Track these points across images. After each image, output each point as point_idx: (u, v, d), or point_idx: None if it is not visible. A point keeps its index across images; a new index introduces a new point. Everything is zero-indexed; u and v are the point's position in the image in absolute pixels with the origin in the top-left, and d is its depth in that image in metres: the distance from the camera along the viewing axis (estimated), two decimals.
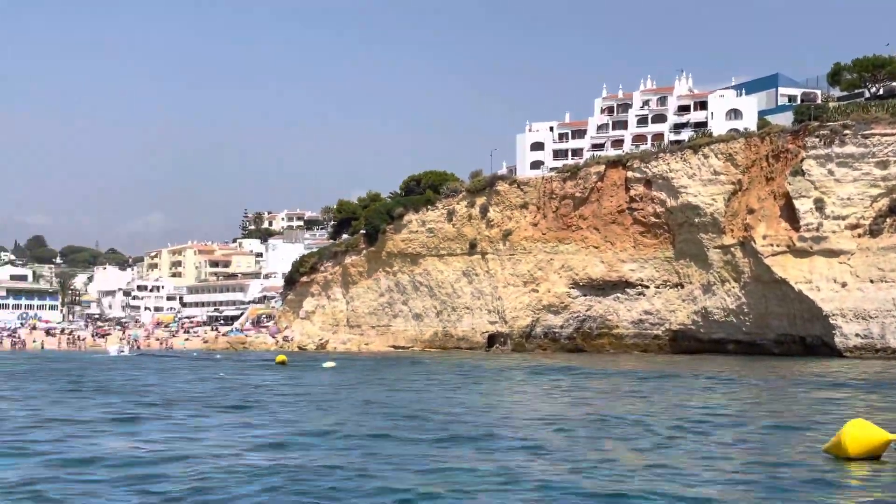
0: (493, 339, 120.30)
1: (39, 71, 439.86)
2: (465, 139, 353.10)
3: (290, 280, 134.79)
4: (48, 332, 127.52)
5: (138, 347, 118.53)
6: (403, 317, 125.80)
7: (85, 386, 53.61)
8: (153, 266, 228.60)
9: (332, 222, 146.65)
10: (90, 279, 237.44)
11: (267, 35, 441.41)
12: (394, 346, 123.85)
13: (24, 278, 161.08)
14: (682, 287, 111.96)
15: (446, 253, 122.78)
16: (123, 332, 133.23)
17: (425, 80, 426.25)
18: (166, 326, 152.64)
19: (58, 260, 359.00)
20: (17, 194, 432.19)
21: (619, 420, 34.63)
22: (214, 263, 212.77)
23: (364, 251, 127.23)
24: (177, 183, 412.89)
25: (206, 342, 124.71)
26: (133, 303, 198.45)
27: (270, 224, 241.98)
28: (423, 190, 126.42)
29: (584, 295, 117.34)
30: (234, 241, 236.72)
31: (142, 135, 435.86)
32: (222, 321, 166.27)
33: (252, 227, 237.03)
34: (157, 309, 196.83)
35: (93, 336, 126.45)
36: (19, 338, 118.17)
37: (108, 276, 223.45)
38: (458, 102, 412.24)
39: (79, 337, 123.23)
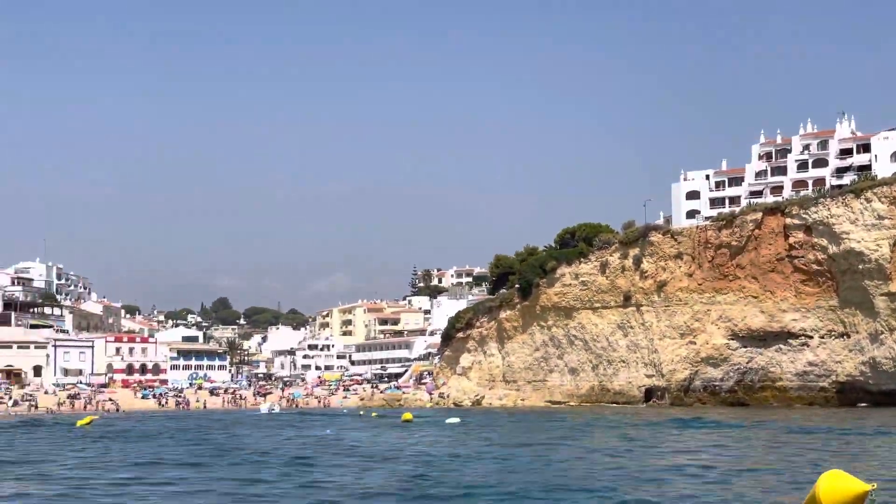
0: (650, 393, 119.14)
1: (237, 144, 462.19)
2: (620, 190, 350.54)
3: (447, 336, 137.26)
4: (212, 392, 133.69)
5: (296, 406, 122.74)
6: (559, 371, 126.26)
7: (189, 443, 56.82)
8: (325, 325, 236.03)
9: (492, 277, 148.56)
10: (264, 339, 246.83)
11: (442, 98, 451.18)
12: (550, 402, 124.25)
13: (195, 339, 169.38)
14: (848, 337, 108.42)
15: (600, 306, 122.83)
16: (283, 391, 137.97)
17: (581, 130, 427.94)
18: (328, 385, 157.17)
19: (241, 321, 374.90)
20: (207, 258, 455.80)
21: None
22: (384, 321, 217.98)
23: (518, 305, 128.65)
24: (360, 243, 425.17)
25: (362, 399, 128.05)
26: (304, 362, 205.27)
27: (440, 281, 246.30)
28: (578, 242, 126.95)
29: (745, 346, 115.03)
30: (405, 298, 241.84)
31: (330, 197, 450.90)
32: (386, 378, 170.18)
33: (421, 284, 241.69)
34: (328, 367, 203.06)
35: (254, 395, 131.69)
36: (184, 398, 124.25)
37: (280, 337, 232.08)
38: (612, 152, 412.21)
39: (241, 396, 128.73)
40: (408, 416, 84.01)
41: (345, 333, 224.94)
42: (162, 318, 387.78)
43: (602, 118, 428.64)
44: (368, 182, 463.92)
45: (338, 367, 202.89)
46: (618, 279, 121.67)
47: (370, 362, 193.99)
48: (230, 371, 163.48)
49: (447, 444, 53.97)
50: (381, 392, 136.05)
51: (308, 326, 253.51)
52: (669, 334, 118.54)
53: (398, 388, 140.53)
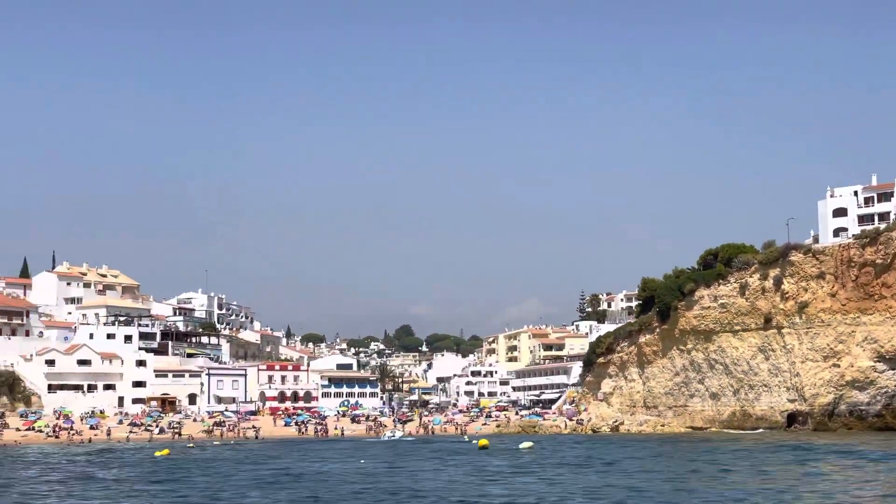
0: (792, 418, 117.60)
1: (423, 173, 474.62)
2: (763, 208, 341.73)
3: (589, 361, 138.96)
4: (353, 420, 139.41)
5: (432, 432, 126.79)
6: (700, 396, 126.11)
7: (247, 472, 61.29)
8: (491, 351, 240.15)
9: (639, 301, 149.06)
10: (429, 366, 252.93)
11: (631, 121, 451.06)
12: (692, 427, 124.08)
13: (349, 367, 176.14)
14: None
15: (740, 328, 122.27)
16: (421, 418, 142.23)
17: (729, 148, 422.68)
18: (473, 411, 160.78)
19: (423, 348, 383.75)
20: (406, 287, 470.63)
21: None
22: (548, 347, 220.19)
23: (657, 329, 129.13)
24: (552, 269, 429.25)
25: (498, 426, 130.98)
26: (466, 388, 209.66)
27: (609, 305, 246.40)
28: (724, 263, 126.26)
29: (892, 369, 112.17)
30: (573, 323, 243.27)
31: (521, 222, 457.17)
32: (540, 404, 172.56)
33: (589, 308, 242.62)
34: (490, 394, 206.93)
35: (393, 422, 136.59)
36: (324, 425, 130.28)
37: (445, 363, 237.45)
38: (757, 168, 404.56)
39: (381, 424, 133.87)
40: (484, 441, 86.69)
41: (510, 359, 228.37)
42: (344, 345, 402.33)
43: (748, 133, 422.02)
44: (548, 206, 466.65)
45: (500, 394, 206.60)
46: (758, 301, 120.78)
47: (529, 388, 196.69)
48: (381, 398, 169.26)
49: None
50: (522, 418, 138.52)
51: (476, 353, 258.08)
52: (812, 357, 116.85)
53: (539, 414, 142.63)
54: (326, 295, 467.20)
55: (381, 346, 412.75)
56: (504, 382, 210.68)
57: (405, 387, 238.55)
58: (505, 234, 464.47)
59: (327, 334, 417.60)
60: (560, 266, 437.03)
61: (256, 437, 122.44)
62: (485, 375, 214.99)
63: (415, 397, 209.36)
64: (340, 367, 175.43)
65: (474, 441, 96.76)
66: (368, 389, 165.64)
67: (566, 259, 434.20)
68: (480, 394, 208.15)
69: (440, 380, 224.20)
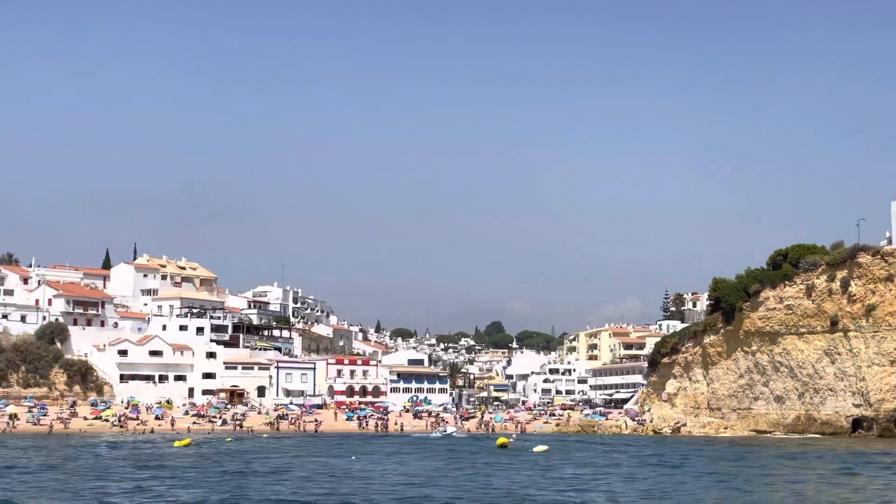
0: (857, 424, 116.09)
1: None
2: (837, 208, 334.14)
3: (653, 361, 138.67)
4: (416, 415, 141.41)
5: (492, 430, 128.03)
6: (764, 399, 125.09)
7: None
8: (572, 349, 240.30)
9: (710, 301, 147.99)
10: (508, 363, 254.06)
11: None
12: (755, 431, 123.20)
13: (420, 363, 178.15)
14: None
15: (806, 331, 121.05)
16: (482, 415, 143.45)
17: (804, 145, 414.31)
18: (536, 409, 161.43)
19: (513, 344, 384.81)
20: (502, 284, 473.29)
21: None
22: (629, 346, 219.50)
23: (722, 330, 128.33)
24: (654, 267, 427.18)
25: (558, 425, 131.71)
26: (544, 386, 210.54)
27: (695, 305, 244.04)
28: (792, 264, 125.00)
29: None
30: (656, 322, 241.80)
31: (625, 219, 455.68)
32: (613, 404, 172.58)
33: (673, 308, 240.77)
34: (568, 392, 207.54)
35: (455, 418, 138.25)
36: (384, 420, 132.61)
37: (524, 360, 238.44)
38: (833, 166, 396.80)
39: (443, 420, 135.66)
40: (503, 440, 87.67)
41: (591, 358, 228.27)
42: (433, 341, 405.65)
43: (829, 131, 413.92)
44: (653, 201, 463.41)
45: (578, 392, 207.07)
46: (824, 303, 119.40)
47: (606, 387, 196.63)
48: (451, 394, 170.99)
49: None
50: (585, 417, 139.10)
51: (557, 351, 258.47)
52: (878, 361, 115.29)
53: (603, 414, 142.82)
54: (420, 291, 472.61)
55: (472, 343, 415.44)
56: (582, 381, 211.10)
57: (480, 383, 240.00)
58: (609, 230, 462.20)
59: (419, 329, 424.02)
60: (662, 264, 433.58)
61: (316, 431, 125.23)
62: (563, 373, 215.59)
63: (485, 394, 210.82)
64: (412, 362, 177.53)
65: (512, 437, 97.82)
66: (438, 385, 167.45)
67: (669, 256, 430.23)
68: (558, 392, 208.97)
69: (519, 377, 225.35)
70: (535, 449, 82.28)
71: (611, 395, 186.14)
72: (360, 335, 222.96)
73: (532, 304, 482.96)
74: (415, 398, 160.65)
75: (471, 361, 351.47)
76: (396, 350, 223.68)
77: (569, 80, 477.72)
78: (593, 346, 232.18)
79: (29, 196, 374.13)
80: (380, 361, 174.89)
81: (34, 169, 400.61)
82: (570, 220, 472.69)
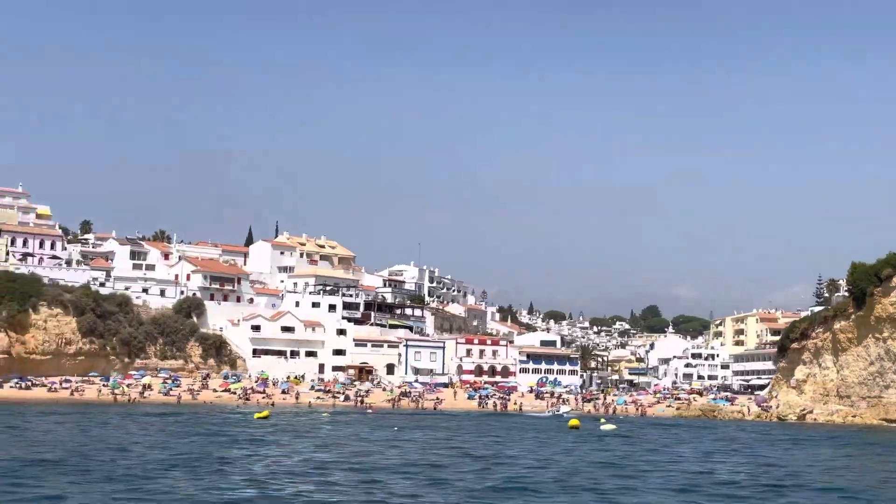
0: None
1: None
2: None
3: (783, 347, 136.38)
4: (538, 396, 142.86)
5: (613, 412, 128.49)
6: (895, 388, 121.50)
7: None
8: (718, 334, 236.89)
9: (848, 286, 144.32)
10: (651, 347, 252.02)
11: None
12: (885, 420, 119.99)
13: (552, 344, 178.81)
14: None
15: None
16: (605, 398, 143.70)
17: None
18: (661, 393, 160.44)
19: (670, 329, 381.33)
20: (668, 267, 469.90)
21: None
22: (776, 332, 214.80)
23: (853, 316, 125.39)
24: (826, 252, 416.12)
25: (678, 409, 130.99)
26: (685, 370, 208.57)
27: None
28: None
29: None
30: (808, 308, 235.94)
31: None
32: (751, 390, 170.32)
33: (826, 294, 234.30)
34: (711, 377, 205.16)
35: (576, 400, 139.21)
36: (504, 400, 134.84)
37: (667, 345, 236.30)
38: None
39: (564, 401, 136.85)
40: (574, 422, 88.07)
41: (737, 343, 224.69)
42: (587, 324, 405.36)
43: None
44: (826, 182, 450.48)
45: (720, 377, 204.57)
46: None
47: (748, 373, 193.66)
48: (581, 376, 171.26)
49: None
50: (708, 401, 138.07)
51: (703, 335, 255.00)
52: None
53: (729, 399, 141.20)
54: (582, 273, 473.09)
55: (626, 326, 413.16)
56: (724, 366, 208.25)
57: (617, 366, 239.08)
58: (777, 213, 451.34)
59: (574, 312, 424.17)
60: (836, 249, 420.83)
61: (434, 409, 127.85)
62: (705, 358, 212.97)
63: (616, 377, 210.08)
64: (544, 343, 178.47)
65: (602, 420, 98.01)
66: (568, 367, 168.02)
67: (845, 243, 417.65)
68: (700, 376, 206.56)
69: (661, 361, 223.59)
70: (603, 427, 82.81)
71: (748, 381, 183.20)
72: (497, 315, 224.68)
73: (698, 289, 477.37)
74: (544, 379, 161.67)
75: (622, 345, 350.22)
76: (548, 331, 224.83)
77: None
78: (740, 332, 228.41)
79: (182, 175, 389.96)
80: (511, 342, 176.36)
81: (190, 150, 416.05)
82: (747, 204, 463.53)
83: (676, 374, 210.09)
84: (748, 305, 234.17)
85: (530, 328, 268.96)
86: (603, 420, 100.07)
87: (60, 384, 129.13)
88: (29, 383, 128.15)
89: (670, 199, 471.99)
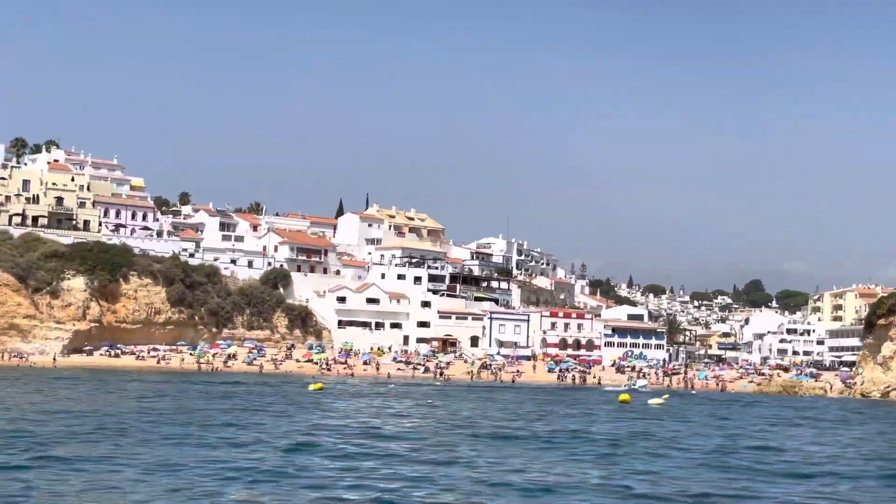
0: None
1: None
2: None
3: (869, 323, 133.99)
4: (619, 370, 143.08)
5: (690, 387, 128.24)
6: None
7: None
8: (816, 309, 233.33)
9: None
10: (746, 322, 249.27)
11: None
12: None
13: (639, 318, 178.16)
14: None
15: None
16: (686, 373, 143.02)
17: None
18: (740, 367, 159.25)
19: (773, 304, 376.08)
20: (777, 242, 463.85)
21: None
22: None
23: None
24: None
25: (759, 384, 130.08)
26: (780, 346, 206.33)
27: None
28: None
29: None
30: None
31: None
32: (842, 366, 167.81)
33: None
34: (806, 353, 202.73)
35: (657, 374, 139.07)
36: (583, 374, 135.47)
37: (762, 320, 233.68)
38: None
39: (643, 374, 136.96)
40: (624, 396, 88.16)
41: (836, 319, 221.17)
42: (687, 298, 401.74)
43: None
44: None
45: (816, 353, 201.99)
46: None
47: (843, 349, 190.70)
48: (667, 350, 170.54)
49: None
50: (792, 377, 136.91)
51: (801, 310, 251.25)
52: None
53: (814, 375, 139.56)
54: (690, 248, 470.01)
55: (729, 301, 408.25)
56: (820, 342, 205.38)
57: (708, 340, 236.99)
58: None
59: (675, 286, 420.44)
60: None
61: (513, 381, 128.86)
62: (800, 334, 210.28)
63: (703, 351, 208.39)
64: (631, 317, 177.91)
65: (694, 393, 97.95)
66: (654, 341, 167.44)
67: None
68: (794, 352, 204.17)
69: (756, 336, 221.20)
70: (651, 402, 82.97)
71: (840, 357, 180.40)
72: (587, 289, 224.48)
73: (808, 264, 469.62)
74: (628, 353, 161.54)
75: (723, 320, 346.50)
76: (644, 305, 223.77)
77: None
78: (838, 307, 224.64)
79: (278, 149, 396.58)
80: (597, 316, 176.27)
81: (287, 124, 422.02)
82: (867, 179, 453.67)
83: (770, 350, 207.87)
84: (856, 281, 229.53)
85: (628, 302, 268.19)
86: (642, 388, 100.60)
87: (148, 352, 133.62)
88: (118, 351, 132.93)
89: (786, 173, 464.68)
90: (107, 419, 50.69)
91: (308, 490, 30.19)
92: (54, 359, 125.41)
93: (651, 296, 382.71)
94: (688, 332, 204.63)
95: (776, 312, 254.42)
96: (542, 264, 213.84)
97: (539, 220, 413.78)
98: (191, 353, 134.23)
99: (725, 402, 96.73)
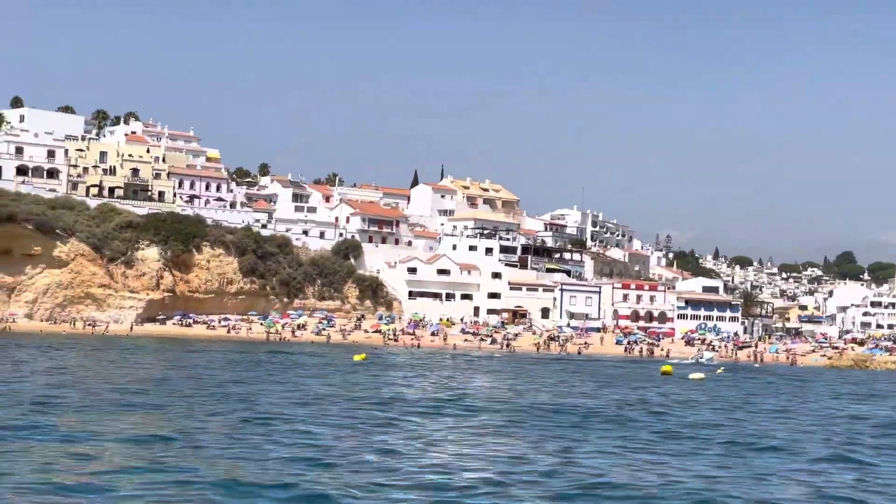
0: None
1: None
2: None
3: None
4: (688, 342, 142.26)
5: (760, 360, 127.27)
6: None
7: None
8: None
9: None
10: (830, 294, 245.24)
11: None
12: None
13: (714, 290, 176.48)
14: None
15: None
16: (756, 346, 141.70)
17: None
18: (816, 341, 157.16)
19: (865, 276, 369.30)
20: (876, 213, 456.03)
21: None
22: None
23: None
24: None
25: (830, 358, 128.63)
26: (863, 319, 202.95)
27: None
28: None
29: None
30: None
31: None
32: None
33: None
34: (890, 326, 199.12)
35: (727, 347, 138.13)
36: (651, 347, 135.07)
37: (846, 292, 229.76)
38: None
39: (713, 347, 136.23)
40: (667, 368, 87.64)
41: None
42: (774, 270, 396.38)
43: None
44: None
45: None
46: None
47: None
48: (742, 323, 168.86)
49: None
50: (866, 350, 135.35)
51: (889, 283, 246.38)
52: None
53: (889, 350, 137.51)
54: (781, 220, 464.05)
55: (819, 273, 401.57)
56: None
57: (787, 313, 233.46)
58: None
59: (763, 258, 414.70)
60: None
61: (579, 353, 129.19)
62: (885, 307, 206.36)
63: (780, 325, 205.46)
64: (706, 289, 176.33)
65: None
66: (728, 314, 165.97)
67: None
68: (879, 325, 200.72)
69: (839, 309, 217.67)
70: (691, 376, 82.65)
71: None
72: (664, 261, 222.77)
73: None
74: (702, 325, 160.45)
75: (811, 293, 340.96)
76: (730, 277, 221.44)
77: None
78: None
79: (354, 122, 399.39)
80: (670, 287, 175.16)
81: (363, 95, 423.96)
82: None
83: (854, 323, 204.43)
84: None
85: (711, 274, 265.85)
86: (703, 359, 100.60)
87: (219, 322, 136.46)
88: (190, 321, 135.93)
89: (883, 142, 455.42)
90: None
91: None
92: (131, 327, 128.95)
93: (737, 268, 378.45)
94: (765, 305, 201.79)
95: (863, 285, 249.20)
96: (618, 236, 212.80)
97: (622, 191, 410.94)
98: (260, 323, 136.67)
99: (785, 376, 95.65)
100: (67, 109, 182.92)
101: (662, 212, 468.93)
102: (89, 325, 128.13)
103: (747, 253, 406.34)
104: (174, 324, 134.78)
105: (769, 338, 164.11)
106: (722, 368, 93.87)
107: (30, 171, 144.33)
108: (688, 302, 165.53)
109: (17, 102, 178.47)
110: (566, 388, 65.64)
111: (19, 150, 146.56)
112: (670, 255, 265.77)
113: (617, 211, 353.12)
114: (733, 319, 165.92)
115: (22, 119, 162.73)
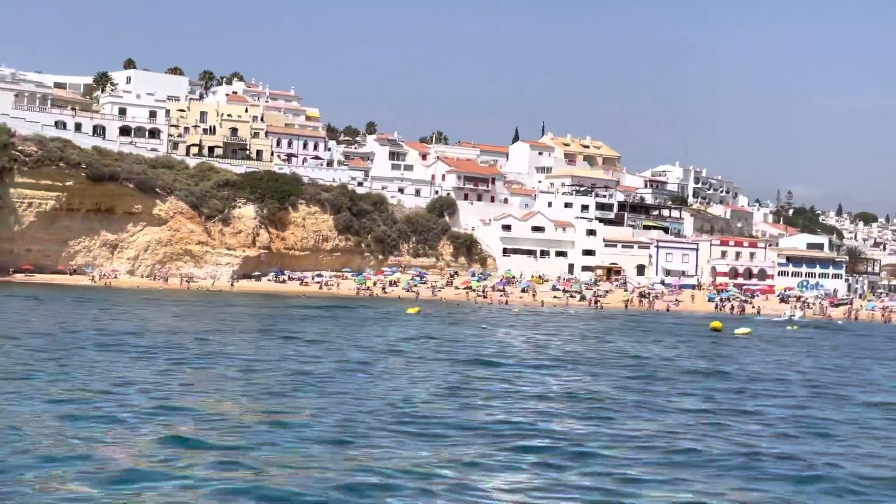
0: None
1: None
2: None
3: None
4: (782, 300, 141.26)
5: (855, 318, 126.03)
6: None
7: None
8: None
9: None
10: None
11: None
12: None
13: (819, 247, 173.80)
14: None
15: None
16: (851, 304, 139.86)
17: None
18: None
19: None
20: None
21: None
22: None
23: None
24: None
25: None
26: None
27: None
28: None
29: None
30: None
31: None
32: None
33: None
34: None
35: (821, 305, 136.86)
36: (741, 304, 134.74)
37: None
38: None
39: (807, 304, 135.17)
40: (716, 324, 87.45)
41: None
42: None
43: None
44: None
45: None
46: None
47: None
48: (846, 280, 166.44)
49: None
50: None
51: None
52: None
53: None
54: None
55: None
56: None
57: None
58: None
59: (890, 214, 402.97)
60: None
61: (668, 310, 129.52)
62: None
63: (887, 282, 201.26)
64: (811, 246, 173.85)
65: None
66: (831, 270, 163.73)
67: None
68: None
69: None
70: (737, 331, 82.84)
71: None
72: (770, 217, 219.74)
73: None
74: (804, 283, 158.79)
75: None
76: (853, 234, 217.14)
77: None
78: None
79: (462, 76, 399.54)
80: (772, 244, 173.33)
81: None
82: None
83: None
84: None
85: (833, 231, 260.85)
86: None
87: (312, 278, 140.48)
88: (285, 277, 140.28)
89: None
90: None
91: None
92: (231, 284, 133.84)
93: (861, 224, 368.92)
94: (873, 262, 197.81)
95: None
96: (722, 192, 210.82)
97: (740, 148, 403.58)
98: (353, 279, 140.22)
99: (858, 334, 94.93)
100: (176, 71, 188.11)
101: (792, 170, 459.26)
102: (186, 280, 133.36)
103: (874, 209, 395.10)
104: (268, 280, 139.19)
105: (870, 294, 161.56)
106: (796, 326, 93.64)
107: (132, 132, 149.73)
108: (789, 259, 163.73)
109: (129, 64, 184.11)
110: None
111: (122, 111, 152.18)
112: (790, 213, 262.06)
113: (723, 167, 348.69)
114: (836, 276, 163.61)
115: (129, 80, 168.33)
